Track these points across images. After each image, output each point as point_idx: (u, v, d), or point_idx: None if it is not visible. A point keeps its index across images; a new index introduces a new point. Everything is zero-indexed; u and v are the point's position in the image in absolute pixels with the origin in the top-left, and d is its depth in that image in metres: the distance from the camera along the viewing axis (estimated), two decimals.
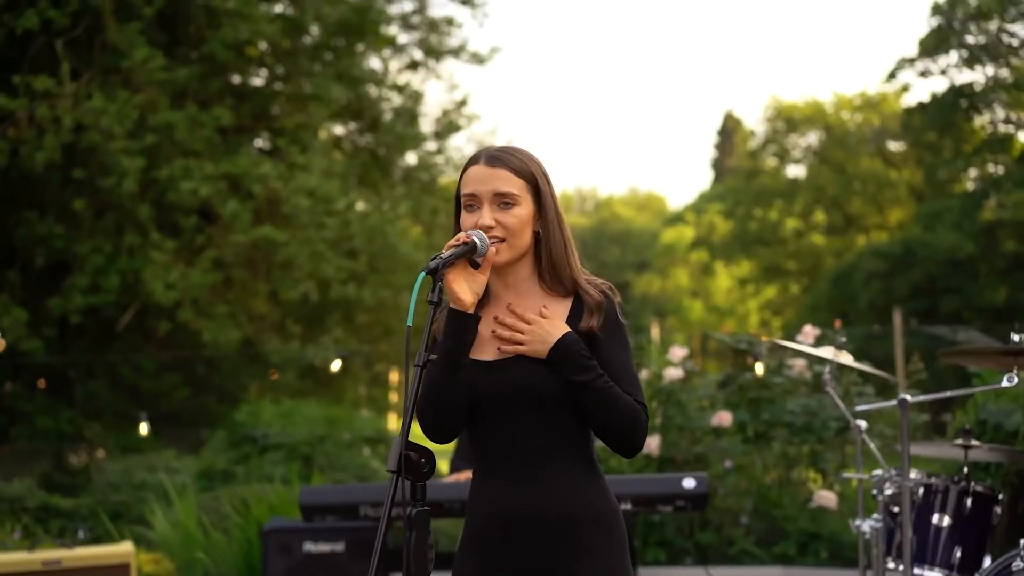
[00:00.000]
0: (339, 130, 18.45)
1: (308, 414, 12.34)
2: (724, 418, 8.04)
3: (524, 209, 3.01)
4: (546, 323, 2.98)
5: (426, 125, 18.33)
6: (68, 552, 6.79)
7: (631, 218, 55.71)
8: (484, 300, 3.10)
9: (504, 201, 3.00)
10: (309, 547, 7.18)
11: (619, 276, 48.77)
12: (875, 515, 5.39)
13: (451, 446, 7.18)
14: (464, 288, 2.94)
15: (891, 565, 5.24)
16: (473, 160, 3.08)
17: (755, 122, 43.01)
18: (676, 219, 47.54)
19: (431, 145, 18.48)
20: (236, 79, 17.46)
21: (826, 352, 5.69)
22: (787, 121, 35.52)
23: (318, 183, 14.62)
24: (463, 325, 2.94)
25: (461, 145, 21.44)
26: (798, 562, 7.93)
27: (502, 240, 2.99)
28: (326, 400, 15.90)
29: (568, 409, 2.97)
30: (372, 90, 17.66)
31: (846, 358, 5.68)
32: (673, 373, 8.20)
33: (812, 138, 35.50)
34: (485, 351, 3.05)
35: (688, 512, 6.26)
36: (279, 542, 7.29)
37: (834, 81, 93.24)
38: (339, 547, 7.10)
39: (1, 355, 14.28)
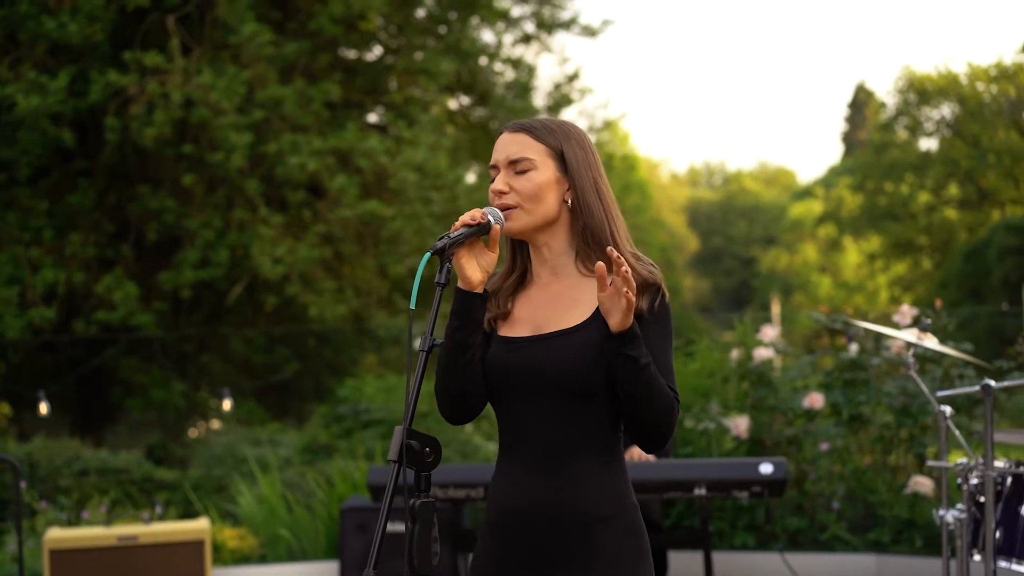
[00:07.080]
0: (452, 104, 18.38)
1: None
2: (816, 400, 7.76)
3: (542, 175, 2.84)
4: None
5: (538, 99, 18.17)
6: (144, 528, 6.80)
7: (759, 192, 54.98)
8: (525, 280, 2.97)
9: (519, 169, 2.85)
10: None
11: (746, 251, 48.28)
12: (959, 505, 5.14)
13: None
14: (473, 265, 2.81)
15: (976, 557, 4.98)
16: (501, 130, 2.95)
17: (886, 94, 42.02)
18: (805, 193, 46.83)
19: None
20: (351, 54, 17.48)
21: (909, 334, 5.42)
22: (919, 93, 34.52)
23: (425, 157, 14.56)
24: (470, 304, 2.83)
25: (573, 119, 21.20)
26: (891, 550, 7.63)
27: (513, 207, 2.83)
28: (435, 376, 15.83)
29: (600, 399, 2.77)
30: (483, 61, 17.51)
31: (930, 340, 5.40)
32: (763, 353, 7.92)
33: (945, 110, 34.46)
34: (517, 328, 2.89)
35: (765, 498, 6.03)
36: (356, 521, 7.25)
37: (968, 51, 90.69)
38: None
39: (116, 329, 14.52)
